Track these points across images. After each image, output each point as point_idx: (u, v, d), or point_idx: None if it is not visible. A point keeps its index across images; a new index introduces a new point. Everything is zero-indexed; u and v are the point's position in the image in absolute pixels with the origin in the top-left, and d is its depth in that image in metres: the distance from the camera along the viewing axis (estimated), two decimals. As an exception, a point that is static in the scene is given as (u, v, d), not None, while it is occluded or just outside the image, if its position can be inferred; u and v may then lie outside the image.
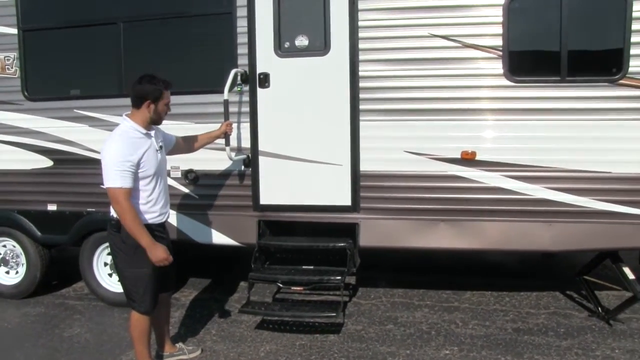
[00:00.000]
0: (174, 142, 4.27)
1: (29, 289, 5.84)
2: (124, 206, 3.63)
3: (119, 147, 3.67)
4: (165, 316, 4.35)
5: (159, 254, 3.73)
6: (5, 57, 5.52)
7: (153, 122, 3.90)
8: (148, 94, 3.80)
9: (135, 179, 3.71)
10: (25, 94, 5.53)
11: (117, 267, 3.97)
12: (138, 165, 3.70)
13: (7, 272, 5.93)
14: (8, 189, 5.60)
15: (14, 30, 5.47)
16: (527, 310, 5.13)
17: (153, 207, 3.87)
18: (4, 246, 5.91)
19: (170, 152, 4.25)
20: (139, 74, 4.96)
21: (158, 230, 3.94)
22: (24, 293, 5.85)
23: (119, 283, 5.16)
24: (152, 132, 3.90)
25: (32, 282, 5.80)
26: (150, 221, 3.85)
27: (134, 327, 4.00)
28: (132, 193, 3.71)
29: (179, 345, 4.48)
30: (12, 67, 5.53)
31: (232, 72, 4.75)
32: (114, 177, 3.62)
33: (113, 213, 3.83)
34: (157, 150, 3.89)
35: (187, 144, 4.45)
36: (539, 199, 4.56)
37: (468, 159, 4.66)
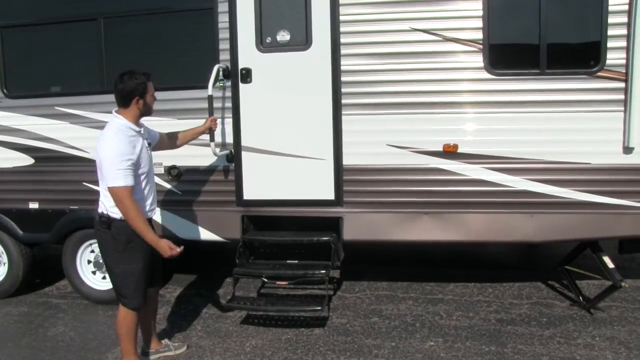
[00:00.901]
0: (157, 138, 4.27)
1: (11, 288, 5.78)
2: (128, 205, 3.65)
3: (119, 146, 3.65)
4: (152, 312, 4.34)
5: (165, 248, 3.77)
6: (-17, 54, 5.47)
7: (143, 115, 3.92)
8: (134, 91, 3.79)
9: (135, 176, 3.72)
10: (5, 91, 5.47)
11: (107, 264, 3.96)
12: (137, 163, 3.73)
13: (-11, 272, 5.89)
14: (-11, 187, 5.54)
15: (-8, 27, 5.42)
16: (510, 301, 5.19)
17: (144, 203, 3.90)
18: (-16, 245, 5.86)
19: (154, 148, 4.23)
20: (121, 70, 4.97)
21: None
22: (6, 292, 5.80)
23: (104, 280, 5.22)
24: (142, 130, 3.92)
25: (15, 282, 5.75)
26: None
27: (122, 324, 3.98)
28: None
29: (165, 341, 4.47)
30: (-10, 64, 5.48)
31: (215, 67, 4.74)
32: (117, 177, 3.62)
33: (102, 210, 3.84)
34: (146, 148, 3.93)
35: (172, 141, 4.44)
36: (520, 191, 4.61)
37: (450, 152, 4.70)
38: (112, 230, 3.79)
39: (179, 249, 3.81)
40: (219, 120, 4.86)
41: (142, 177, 3.84)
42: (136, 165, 3.72)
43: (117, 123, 3.79)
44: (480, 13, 4.57)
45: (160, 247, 3.78)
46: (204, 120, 4.73)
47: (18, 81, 5.48)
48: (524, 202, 4.64)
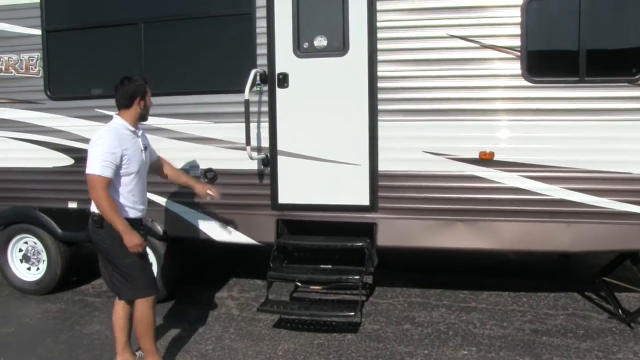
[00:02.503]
0: (156, 158, 4.41)
1: (49, 286, 5.93)
2: (100, 194, 3.77)
3: (107, 139, 3.84)
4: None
5: (134, 239, 3.83)
6: (29, 57, 5.62)
7: (142, 117, 4.10)
8: (137, 92, 4.01)
9: (117, 174, 3.86)
10: (48, 93, 5.61)
11: (112, 262, 3.99)
12: (121, 159, 3.85)
13: (29, 269, 6.03)
14: (30, 186, 5.68)
15: (38, 32, 5.57)
16: (545, 311, 5.11)
17: (134, 204, 4.02)
18: (26, 243, 6.00)
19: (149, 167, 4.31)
20: (159, 73, 5.11)
21: (137, 226, 4.03)
22: (44, 289, 5.94)
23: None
24: (140, 132, 4.09)
25: (53, 279, 5.89)
26: (131, 216, 3.99)
27: (140, 321, 4.03)
28: (114, 187, 3.87)
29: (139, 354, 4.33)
30: (35, 67, 5.63)
31: (252, 72, 4.79)
32: (95, 165, 3.78)
33: (93, 209, 3.96)
34: (141, 150, 4.07)
35: (164, 170, 4.50)
36: (557, 200, 4.54)
37: (486, 159, 4.65)
38: (105, 227, 3.89)
39: (142, 249, 3.92)
40: (254, 124, 4.92)
41: (131, 176, 3.95)
42: (121, 162, 3.85)
43: (114, 122, 4.01)
44: (519, 20, 4.51)
45: (129, 238, 3.82)
46: (241, 124, 4.81)
47: (60, 84, 5.61)
48: (561, 211, 4.56)
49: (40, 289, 5.95)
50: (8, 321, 5.35)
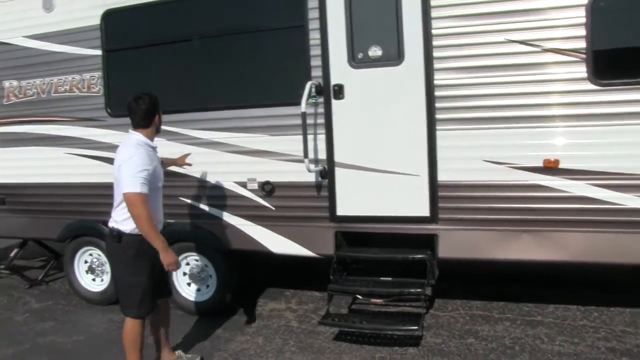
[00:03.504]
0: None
1: (113, 297, 6.01)
2: (141, 210, 3.84)
3: (138, 157, 3.91)
4: (163, 323, 4.50)
5: (170, 257, 3.96)
6: (90, 76, 5.80)
7: (157, 132, 4.25)
8: (153, 109, 4.13)
9: (150, 189, 3.95)
10: (108, 110, 5.76)
11: (115, 275, 4.22)
12: (152, 176, 3.96)
13: (94, 280, 6.22)
14: (93, 200, 5.80)
15: (99, 52, 5.73)
16: (622, 329, 4.83)
17: (158, 217, 4.16)
18: (91, 255, 6.18)
19: None
20: (215, 88, 5.15)
21: None
22: (109, 300, 6.08)
23: (200, 292, 5.37)
24: (157, 147, 4.22)
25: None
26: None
27: (128, 335, 4.15)
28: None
29: (179, 352, 4.56)
30: (96, 86, 5.79)
31: (308, 84, 4.76)
32: (133, 183, 3.84)
33: (111, 224, 4.11)
34: (160, 164, 4.25)
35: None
36: (631, 209, 4.30)
37: (551, 168, 4.46)
38: (122, 243, 4.02)
39: (177, 268, 4.09)
40: (310, 137, 4.88)
41: (155, 191, 4.08)
42: (151, 178, 3.95)
43: (136, 138, 4.07)
44: (583, 21, 4.31)
45: (166, 256, 3.93)
46: (297, 137, 4.81)
47: (120, 101, 5.71)
48: (635, 221, 4.32)
49: (105, 300, 6.11)
50: (78, 329, 5.55)
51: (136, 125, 4.13)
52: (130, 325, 4.16)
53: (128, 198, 3.86)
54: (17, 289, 6.91)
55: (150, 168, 3.94)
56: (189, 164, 5.09)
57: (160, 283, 4.26)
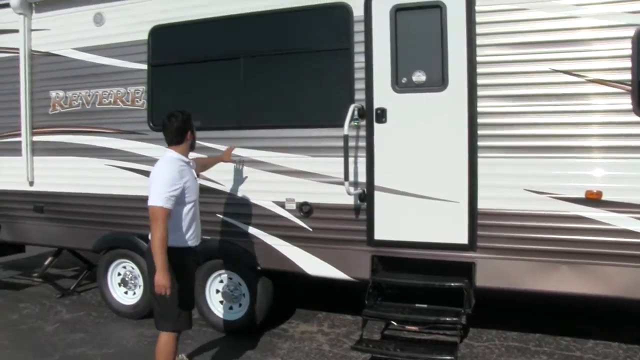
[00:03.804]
0: (195, 167, 4.58)
1: (144, 310, 6.08)
2: (160, 224, 3.94)
3: (169, 173, 4.05)
4: None
5: (162, 279, 3.94)
6: (135, 90, 5.90)
7: (191, 148, 4.39)
8: (186, 127, 4.28)
9: (179, 203, 4.05)
10: (150, 124, 5.84)
11: (153, 291, 4.13)
12: (183, 191, 4.06)
13: (126, 293, 6.26)
14: (132, 213, 5.87)
15: (144, 66, 5.84)
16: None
17: (193, 232, 4.26)
18: (124, 267, 6.24)
19: None
20: (258, 107, 5.18)
21: (192, 253, 4.29)
22: (140, 314, 6.12)
23: (232, 311, 5.37)
24: (191, 162, 4.33)
25: (148, 304, 6.01)
26: (190, 244, 4.23)
27: (162, 350, 4.19)
28: (175, 217, 4.07)
29: (181, 356, 4.62)
30: (140, 100, 5.89)
31: (351, 107, 4.78)
32: (158, 198, 3.97)
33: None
34: (195, 178, 4.33)
35: (200, 168, 4.91)
36: (678, 245, 4.22)
37: (593, 199, 4.40)
38: None
39: (166, 293, 3.98)
40: (351, 159, 4.89)
41: (190, 205, 4.18)
42: (182, 193, 4.06)
43: (170, 155, 4.22)
44: (629, 52, 4.28)
45: (160, 275, 3.92)
46: (337, 159, 4.84)
47: (162, 116, 5.81)
48: (683, 257, 4.23)
49: (136, 313, 6.13)
50: (109, 342, 5.57)
51: (170, 142, 4.29)
52: (165, 340, 4.20)
53: (151, 211, 4.00)
54: (49, 297, 6.99)
55: (181, 184, 4.06)
56: (234, 161, 5.29)
57: (189, 295, 4.32)
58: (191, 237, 4.25)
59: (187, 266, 4.20)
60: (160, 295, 4.07)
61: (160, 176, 4.06)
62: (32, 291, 7.32)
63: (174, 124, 4.25)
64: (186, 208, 4.15)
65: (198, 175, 4.61)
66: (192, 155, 4.64)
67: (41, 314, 6.45)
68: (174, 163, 4.15)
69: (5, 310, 6.58)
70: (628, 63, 4.29)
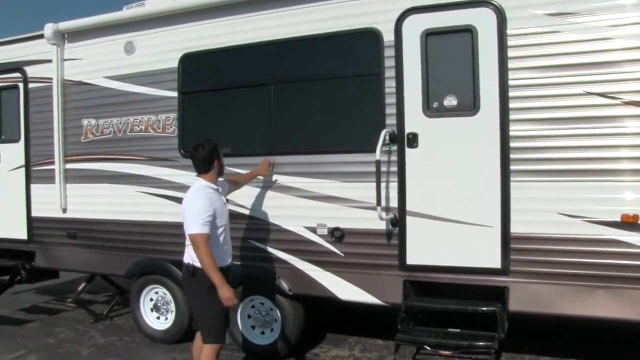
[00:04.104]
0: (227, 187, 4.93)
1: (176, 335, 6.13)
2: (202, 249, 4.18)
3: (200, 201, 4.28)
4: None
5: (226, 293, 4.20)
6: (166, 117, 5.99)
7: (219, 175, 4.59)
8: (212, 156, 4.48)
9: (212, 227, 4.27)
10: (181, 151, 5.91)
11: (196, 308, 4.51)
12: (214, 216, 4.29)
13: (158, 318, 6.31)
14: (163, 239, 5.93)
15: (175, 94, 5.93)
16: None
17: (224, 253, 4.50)
18: (156, 293, 6.29)
19: (227, 194, 4.92)
20: (288, 133, 5.26)
21: (226, 273, 4.41)
22: (172, 339, 6.16)
23: (264, 335, 5.45)
24: (220, 189, 4.56)
25: (180, 329, 6.09)
26: (222, 265, 4.36)
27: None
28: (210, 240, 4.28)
29: None
30: (171, 127, 5.97)
31: (383, 132, 4.80)
32: (196, 225, 4.20)
33: (187, 260, 4.43)
34: (224, 204, 4.57)
35: (235, 186, 5.17)
36: None
37: (629, 223, 4.34)
38: (197, 277, 4.32)
39: (234, 303, 4.29)
40: (383, 184, 4.89)
41: (220, 229, 4.41)
42: (214, 218, 4.28)
43: (199, 184, 4.45)
44: (665, 74, 4.26)
45: (222, 291, 4.19)
46: (368, 184, 4.84)
47: (194, 142, 5.88)
48: None
49: (168, 338, 6.17)
50: (141, 367, 5.62)
51: (198, 171, 4.53)
52: (206, 352, 4.41)
53: (192, 239, 4.25)
54: (83, 322, 7.07)
55: (211, 210, 4.27)
56: (271, 175, 5.42)
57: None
58: (224, 257, 4.49)
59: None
60: (204, 312, 4.38)
61: (192, 205, 4.30)
62: (66, 316, 7.43)
63: (201, 153, 4.46)
64: (218, 232, 4.38)
65: (227, 200, 4.85)
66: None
67: (76, 338, 6.52)
68: (203, 191, 4.38)
69: (43, 334, 6.68)
70: (664, 84, 4.26)
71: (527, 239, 4.62)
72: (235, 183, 5.20)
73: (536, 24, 4.53)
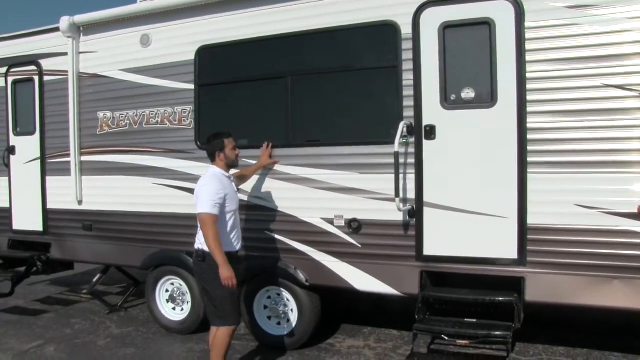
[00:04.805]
0: (234, 180, 5.10)
1: (192, 326, 6.19)
2: (209, 228, 4.48)
3: (212, 184, 4.62)
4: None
5: (226, 272, 4.46)
6: (182, 110, 6.02)
7: (229, 166, 4.91)
8: (215, 148, 4.84)
9: (221, 212, 4.57)
10: (198, 143, 5.95)
11: (207, 291, 4.70)
12: (224, 200, 4.59)
13: (174, 309, 6.37)
14: (179, 231, 5.98)
15: (191, 86, 5.96)
16: None
17: (233, 238, 4.78)
18: (172, 284, 6.34)
19: None
20: (306, 125, 5.38)
21: (234, 258, 4.71)
22: (188, 329, 6.22)
23: (279, 326, 5.65)
24: (231, 178, 4.92)
25: (196, 320, 6.15)
26: (230, 249, 4.69)
27: (217, 341, 4.64)
28: (218, 224, 4.56)
29: None
30: (187, 119, 6.01)
31: (401, 124, 4.84)
32: (206, 205, 4.52)
33: (197, 245, 4.70)
34: (235, 192, 4.89)
35: (240, 180, 5.39)
36: None
37: (646, 214, 4.40)
38: (206, 262, 4.59)
39: (233, 284, 4.49)
40: (401, 176, 4.92)
41: (230, 214, 4.71)
42: (224, 202, 4.59)
43: (212, 170, 4.82)
44: (683, 65, 4.28)
45: (223, 270, 4.45)
46: (386, 175, 4.92)
47: (209, 134, 5.93)
48: None
49: (184, 329, 6.23)
50: (160, 357, 5.70)
51: (211, 160, 4.92)
52: (221, 334, 4.66)
53: (200, 218, 4.55)
54: (98, 314, 7.13)
55: (223, 193, 4.60)
56: (275, 161, 5.55)
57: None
58: (234, 242, 4.79)
59: (231, 268, 4.57)
60: (216, 294, 4.60)
61: (205, 187, 4.62)
62: (82, 307, 7.50)
63: (208, 145, 4.93)
64: (227, 216, 4.69)
65: (241, 190, 5.17)
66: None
67: (92, 329, 6.59)
68: (216, 176, 4.73)
69: (59, 325, 6.76)
70: (682, 76, 4.27)
71: (544, 230, 4.65)
72: (240, 178, 5.38)
73: (555, 17, 4.55)
